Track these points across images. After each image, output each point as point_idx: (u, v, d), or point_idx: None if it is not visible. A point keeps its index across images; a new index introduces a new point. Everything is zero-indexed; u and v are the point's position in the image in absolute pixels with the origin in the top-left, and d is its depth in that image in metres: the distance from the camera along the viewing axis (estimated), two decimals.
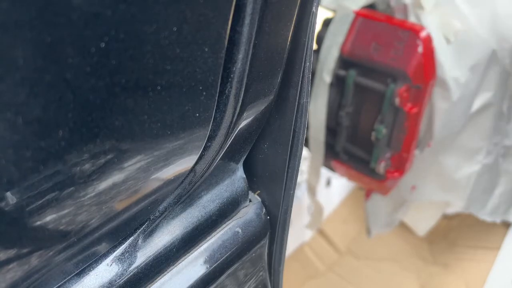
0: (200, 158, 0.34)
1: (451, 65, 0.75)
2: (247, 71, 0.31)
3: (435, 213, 0.99)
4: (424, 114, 0.78)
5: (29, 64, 0.20)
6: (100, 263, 0.34)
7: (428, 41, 0.72)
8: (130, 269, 0.35)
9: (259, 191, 0.45)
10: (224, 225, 0.42)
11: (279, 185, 0.42)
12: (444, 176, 0.87)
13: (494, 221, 0.98)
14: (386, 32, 0.73)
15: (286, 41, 0.33)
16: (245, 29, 0.28)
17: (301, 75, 0.35)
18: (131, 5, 0.22)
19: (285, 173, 0.41)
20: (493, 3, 0.75)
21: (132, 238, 0.35)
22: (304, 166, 1.15)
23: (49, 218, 0.26)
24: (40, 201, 0.24)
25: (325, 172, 1.18)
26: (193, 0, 0.24)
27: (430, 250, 1.19)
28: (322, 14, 0.86)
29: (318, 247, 1.24)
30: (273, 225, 0.45)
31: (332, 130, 0.85)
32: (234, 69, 0.30)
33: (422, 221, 1.02)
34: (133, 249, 0.35)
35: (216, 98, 0.30)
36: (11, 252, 0.25)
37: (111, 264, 0.34)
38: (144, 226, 0.36)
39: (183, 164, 0.33)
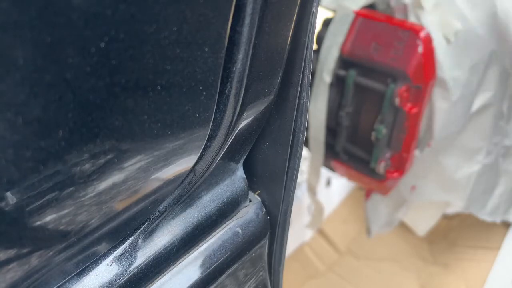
0: (200, 158, 0.34)
1: (451, 65, 0.75)
2: (247, 71, 0.31)
3: (435, 213, 0.99)
4: (424, 114, 0.78)
5: (29, 64, 0.20)
6: (100, 263, 0.34)
7: (428, 41, 0.72)
8: (130, 269, 0.35)
9: (259, 191, 0.45)
10: (224, 225, 0.42)
11: (279, 185, 0.42)
12: (444, 176, 0.87)
13: (494, 221, 0.98)
14: (386, 32, 0.73)
15: (286, 41, 0.33)
16: (245, 29, 0.28)
17: (301, 75, 0.35)
18: (131, 5, 0.22)
19: (285, 173, 0.41)
20: (493, 3, 0.75)
21: (132, 238, 0.35)
22: (304, 166, 1.15)
23: (49, 218, 0.26)
24: (40, 201, 0.24)
25: (325, 172, 1.18)
26: (193, 0, 0.24)
27: (430, 250, 1.19)
28: (322, 14, 0.86)
29: (318, 247, 1.24)
30: (273, 225, 0.45)
31: (332, 130, 0.85)
32: (234, 69, 0.30)
33: (422, 221, 1.02)
34: (133, 249, 0.35)
35: (216, 98, 0.30)
36: (11, 252, 0.25)
37: (111, 264, 0.34)
38: (144, 226, 0.36)
39: (183, 164, 0.33)
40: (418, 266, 1.16)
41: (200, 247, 0.40)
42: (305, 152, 0.94)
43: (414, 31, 0.71)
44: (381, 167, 0.80)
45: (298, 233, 1.22)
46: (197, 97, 0.28)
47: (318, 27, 0.84)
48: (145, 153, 0.28)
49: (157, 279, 0.37)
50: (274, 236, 0.46)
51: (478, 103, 0.81)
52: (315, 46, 0.82)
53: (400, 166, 0.80)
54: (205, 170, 0.36)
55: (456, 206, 0.92)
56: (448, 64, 0.74)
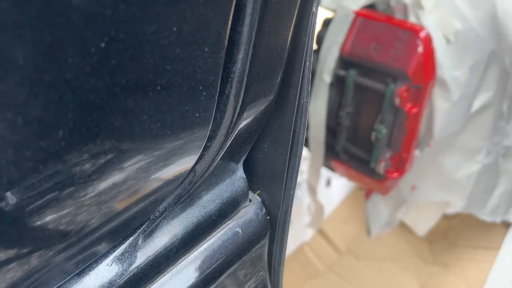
0: (200, 158, 0.34)
1: (451, 65, 0.75)
2: (247, 71, 0.31)
3: (435, 213, 0.99)
4: (424, 114, 0.78)
5: (29, 64, 0.20)
6: (100, 263, 0.34)
7: (428, 41, 0.72)
8: (130, 269, 0.35)
9: (259, 191, 0.45)
10: (224, 225, 0.42)
11: (279, 185, 0.42)
12: (444, 176, 0.87)
13: (494, 221, 0.98)
14: (386, 32, 0.74)
15: (286, 41, 0.33)
16: (245, 29, 0.28)
17: (301, 75, 0.35)
18: (131, 5, 0.22)
19: (285, 173, 0.41)
20: (493, 3, 0.75)
21: (132, 238, 0.35)
22: (304, 166, 1.15)
23: (49, 218, 0.26)
24: (40, 201, 0.24)
25: (325, 172, 1.18)
26: (193, 0, 0.24)
27: (430, 250, 1.19)
28: (322, 14, 0.86)
29: (318, 247, 1.24)
30: (273, 225, 0.45)
31: (332, 130, 0.85)
32: (234, 69, 0.30)
33: (422, 221, 1.02)
34: (133, 249, 0.35)
35: (216, 98, 0.30)
36: (11, 252, 0.25)
37: (111, 264, 0.34)
38: (144, 226, 0.36)
39: (183, 164, 0.33)
40: (418, 266, 1.16)
41: (200, 247, 0.40)
42: (305, 152, 0.94)
43: (414, 31, 0.71)
44: (381, 167, 0.80)
45: (298, 233, 1.22)
46: (197, 97, 0.28)
47: (318, 27, 0.84)
48: (145, 153, 0.28)
49: (157, 279, 0.37)
50: (274, 236, 0.46)
51: (478, 103, 0.81)
52: (315, 46, 0.82)
53: (400, 166, 0.81)
54: (205, 170, 0.36)
55: (456, 206, 0.92)
56: (448, 64, 0.74)
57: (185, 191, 0.37)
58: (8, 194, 0.22)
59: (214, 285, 0.41)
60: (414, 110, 0.74)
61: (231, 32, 0.28)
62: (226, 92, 0.31)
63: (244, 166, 0.43)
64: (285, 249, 0.47)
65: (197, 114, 0.29)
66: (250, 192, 0.45)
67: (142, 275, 0.36)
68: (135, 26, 0.23)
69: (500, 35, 0.75)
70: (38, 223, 0.25)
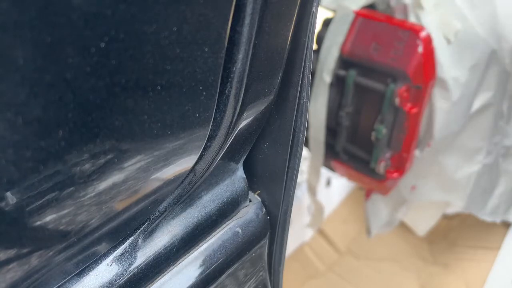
0: (200, 158, 0.34)
1: (451, 65, 0.75)
2: (247, 71, 0.31)
3: (435, 213, 0.99)
4: (424, 114, 0.78)
5: (29, 64, 0.20)
6: (100, 263, 0.34)
7: (428, 41, 0.72)
8: (130, 269, 0.35)
9: (259, 191, 0.45)
10: (224, 225, 0.42)
11: (279, 185, 0.42)
12: (444, 176, 0.87)
13: (494, 221, 0.98)
14: (386, 32, 0.74)
15: (286, 41, 0.33)
16: (245, 29, 0.28)
17: (301, 75, 0.35)
18: (131, 5, 0.22)
19: (285, 173, 0.41)
20: (493, 3, 0.75)
21: (132, 238, 0.35)
22: (304, 166, 1.15)
23: (49, 218, 0.26)
24: (40, 201, 0.24)
25: (325, 172, 1.18)
26: (193, 0, 0.24)
27: (430, 250, 1.19)
28: (322, 14, 0.86)
29: (318, 247, 1.24)
30: (273, 225, 0.45)
31: (332, 130, 0.85)
32: (234, 69, 0.30)
33: (422, 221, 1.02)
34: (133, 249, 0.35)
35: (216, 98, 0.30)
36: (11, 252, 0.25)
37: (111, 264, 0.34)
38: (144, 226, 0.36)
39: (183, 164, 0.33)
40: (418, 266, 1.16)
41: (200, 247, 0.40)
42: (305, 152, 0.94)
43: (414, 31, 0.71)
44: (381, 167, 0.80)
45: (298, 233, 1.22)
46: (197, 97, 0.28)
47: (318, 27, 0.84)
48: (145, 153, 0.28)
49: (157, 279, 0.37)
50: (274, 236, 0.46)
51: (478, 103, 0.81)
52: (315, 46, 0.82)
53: (400, 166, 0.81)
54: (205, 170, 0.36)
55: (456, 206, 0.92)
56: (448, 64, 0.74)
57: (185, 191, 0.37)
58: (8, 194, 0.22)
59: (214, 285, 0.41)
60: (414, 110, 0.74)
61: (231, 32, 0.28)
62: (226, 92, 0.31)
63: (244, 166, 0.43)
64: (285, 249, 0.47)
65: (197, 114, 0.29)
66: (250, 192, 0.45)
67: (142, 275, 0.36)
68: (135, 26, 0.23)
69: (500, 35, 0.75)
70: (38, 223, 0.25)
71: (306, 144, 0.89)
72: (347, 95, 0.80)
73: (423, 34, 0.71)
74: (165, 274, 0.38)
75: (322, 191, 1.22)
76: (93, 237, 0.31)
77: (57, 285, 0.32)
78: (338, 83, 0.81)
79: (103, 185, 0.27)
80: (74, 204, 0.26)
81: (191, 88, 0.28)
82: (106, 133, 0.25)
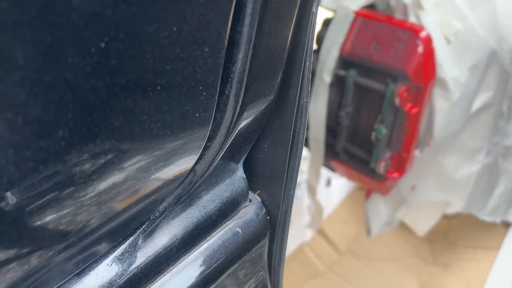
0: (200, 158, 0.34)
1: (451, 65, 0.75)
2: (247, 71, 0.31)
3: (435, 213, 0.99)
4: (424, 114, 0.78)
5: (29, 64, 0.20)
6: (100, 263, 0.34)
7: (428, 41, 0.72)
8: (130, 269, 0.35)
9: (259, 191, 0.45)
10: (224, 225, 0.42)
11: (279, 185, 0.42)
12: (444, 176, 0.87)
13: (494, 221, 0.98)
14: (386, 32, 0.74)
15: (286, 41, 0.33)
16: (245, 29, 0.28)
17: (301, 75, 0.35)
18: (131, 5, 0.22)
19: (285, 173, 0.41)
20: (493, 3, 0.75)
21: (132, 238, 0.35)
22: (304, 166, 1.15)
23: (49, 218, 0.26)
24: (40, 201, 0.24)
25: (325, 172, 1.18)
26: (193, 0, 0.24)
27: (430, 250, 1.19)
28: (322, 14, 0.86)
29: (318, 247, 1.24)
30: (273, 225, 0.45)
31: (332, 130, 0.85)
32: (234, 69, 0.30)
33: (422, 221, 1.02)
34: (133, 249, 0.35)
35: (216, 98, 0.30)
36: (11, 252, 0.25)
37: (111, 264, 0.34)
38: (144, 226, 0.36)
39: (183, 164, 0.33)
40: (418, 266, 1.16)
41: (200, 247, 0.40)
42: (305, 152, 0.94)
43: (414, 31, 0.71)
44: (381, 167, 0.80)
45: (298, 233, 1.22)
46: (197, 97, 0.28)
47: (318, 27, 0.84)
48: (145, 153, 0.28)
49: (157, 279, 0.37)
50: (274, 236, 0.46)
51: (478, 103, 0.81)
52: (315, 46, 0.82)
53: (400, 166, 0.81)
54: (205, 170, 0.36)
55: (456, 206, 0.92)
56: (448, 64, 0.74)
57: (185, 191, 0.37)
58: (8, 194, 0.22)
59: (214, 285, 0.41)
60: (414, 110, 0.74)
61: (231, 32, 0.28)
62: (226, 92, 0.31)
63: (244, 166, 0.43)
64: (285, 249, 0.47)
65: (197, 114, 0.29)
66: (250, 192, 0.45)
67: (142, 275, 0.36)
68: (135, 26, 0.23)
69: (500, 35, 0.75)
70: (38, 223, 0.25)
71: (306, 144, 0.89)
72: (347, 95, 0.80)
73: (423, 34, 0.71)
74: (165, 274, 0.38)
75: (322, 191, 1.22)
76: (93, 237, 0.31)
77: (57, 285, 0.32)
78: (338, 83, 0.81)
79: (103, 185, 0.27)
80: (74, 204, 0.26)
81: (191, 88, 0.28)
82: (106, 133, 0.25)
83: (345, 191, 1.34)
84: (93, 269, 0.33)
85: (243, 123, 0.35)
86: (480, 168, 0.86)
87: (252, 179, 0.45)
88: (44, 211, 0.25)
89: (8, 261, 0.25)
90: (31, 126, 0.21)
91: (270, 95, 0.36)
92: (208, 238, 0.41)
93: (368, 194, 0.98)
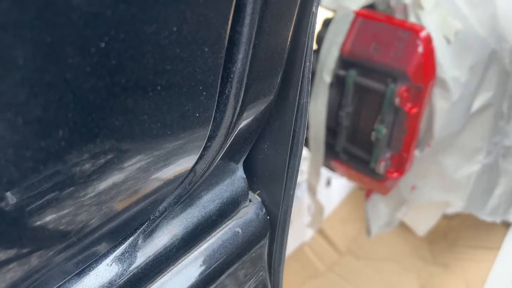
0: (200, 158, 0.34)
1: (451, 65, 0.75)
2: (247, 71, 0.31)
3: (435, 213, 0.99)
4: (424, 114, 0.78)
5: (29, 64, 0.20)
6: (100, 263, 0.34)
7: (428, 41, 0.72)
8: (130, 269, 0.35)
9: (259, 191, 0.45)
10: (224, 225, 0.42)
11: (279, 185, 0.42)
12: (444, 176, 0.87)
13: (494, 221, 0.98)
14: (386, 32, 0.74)
15: (286, 41, 0.33)
16: (245, 29, 0.28)
17: (301, 75, 0.35)
18: (131, 5, 0.22)
19: (285, 173, 0.41)
20: (493, 3, 0.75)
21: (132, 238, 0.35)
22: (304, 166, 1.15)
23: (49, 218, 0.26)
24: (40, 201, 0.24)
25: (325, 172, 1.18)
26: (193, 0, 0.24)
27: (430, 250, 1.19)
28: (322, 14, 0.86)
29: (318, 247, 1.24)
30: (273, 225, 0.45)
31: (332, 130, 0.85)
32: (234, 69, 0.30)
33: (422, 221, 1.02)
34: (133, 249, 0.35)
35: (216, 98, 0.30)
36: (11, 252, 0.25)
37: (111, 264, 0.34)
38: (144, 226, 0.36)
39: (183, 164, 0.33)
40: (418, 266, 1.16)
41: (200, 247, 0.40)
42: (305, 152, 0.94)
43: (414, 31, 0.71)
44: (381, 167, 0.80)
45: (298, 233, 1.22)
46: (197, 97, 0.28)
47: (318, 27, 0.84)
48: (145, 153, 0.28)
49: (157, 279, 0.37)
50: (274, 236, 0.46)
51: (478, 103, 0.81)
52: (315, 46, 0.82)
53: (400, 166, 0.81)
54: (205, 170, 0.36)
55: (456, 206, 0.92)
56: (448, 64, 0.74)
57: (185, 191, 0.37)
58: (8, 194, 0.22)
59: (214, 285, 0.41)
60: (414, 110, 0.74)
61: (231, 32, 0.28)
62: (226, 92, 0.31)
63: (244, 166, 0.43)
64: (285, 249, 0.47)
65: (197, 114, 0.29)
66: (250, 192, 0.45)
67: (142, 275, 0.36)
68: (135, 26, 0.23)
69: (500, 35, 0.75)
70: (38, 223, 0.25)
71: (306, 144, 0.89)
72: (347, 95, 0.80)
73: (423, 34, 0.71)
74: (165, 274, 0.38)
75: (322, 191, 1.22)
76: (93, 237, 0.31)
77: (57, 285, 0.32)
78: (338, 83, 0.81)
79: (103, 185, 0.27)
80: (74, 204, 0.26)
81: (191, 88, 0.28)
82: (106, 133, 0.25)
83: (345, 191, 1.34)
84: (93, 269, 0.33)
85: (243, 123, 0.35)
86: (480, 168, 0.86)
87: (252, 179, 0.45)
88: (44, 211, 0.25)
89: (8, 261, 0.25)
90: (31, 126, 0.21)
91: (270, 95, 0.36)
92: (208, 238, 0.41)
93: (368, 194, 0.98)
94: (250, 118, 0.36)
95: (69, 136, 0.23)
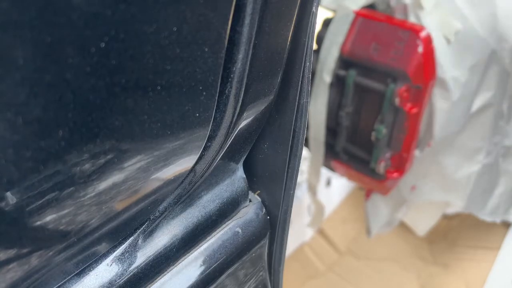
0: (200, 158, 0.34)
1: (451, 65, 0.75)
2: (247, 71, 0.31)
3: (435, 213, 0.99)
4: (424, 114, 0.78)
5: (29, 64, 0.20)
6: (100, 263, 0.34)
7: (428, 41, 0.72)
8: (130, 269, 0.35)
9: (259, 191, 0.45)
10: (224, 225, 0.42)
11: (279, 185, 0.42)
12: (444, 176, 0.87)
13: (494, 221, 0.98)
14: (386, 32, 0.73)
15: (286, 41, 0.33)
16: (245, 29, 0.28)
17: (301, 75, 0.35)
18: (131, 5, 0.22)
19: (285, 173, 0.41)
20: (493, 3, 0.75)
21: (132, 238, 0.35)
22: (304, 166, 1.15)
23: (49, 218, 0.26)
24: (40, 201, 0.24)
25: (325, 172, 1.18)
26: (193, 0, 0.24)
27: (430, 250, 1.19)
28: (322, 14, 0.86)
29: (318, 247, 1.24)
30: (273, 225, 0.45)
31: (332, 130, 0.85)
32: (234, 69, 0.30)
33: (422, 221, 1.02)
34: (133, 249, 0.35)
35: (216, 98, 0.30)
36: (11, 252, 0.25)
37: (111, 264, 0.34)
38: (144, 226, 0.36)
39: (183, 164, 0.33)
40: (418, 266, 1.16)
41: (200, 247, 0.40)
42: (305, 152, 0.94)
43: (414, 31, 0.71)
44: (381, 167, 0.80)
45: (298, 233, 1.22)
46: (197, 97, 0.28)
47: (318, 27, 0.84)
48: (145, 153, 0.28)
49: (157, 279, 0.37)
50: (274, 236, 0.46)
51: (478, 103, 0.81)
52: (315, 46, 0.82)
53: (400, 166, 0.81)
54: (205, 170, 0.36)
55: (456, 206, 0.92)
56: (448, 64, 0.74)
57: (185, 191, 0.37)
58: (8, 194, 0.22)
59: (214, 285, 0.41)
60: (414, 110, 0.74)
61: (231, 32, 0.28)
62: (226, 92, 0.31)
63: (244, 166, 0.43)
64: (285, 249, 0.47)
65: (197, 114, 0.29)
66: (250, 192, 0.45)
67: (142, 275, 0.36)
68: (135, 26, 0.23)
69: (500, 35, 0.75)
70: (38, 223, 0.25)
71: (306, 144, 0.89)
72: (347, 95, 0.80)
73: (423, 34, 0.71)
74: (165, 274, 0.38)
75: (322, 191, 1.22)
76: (93, 237, 0.31)
77: (57, 285, 0.32)
78: (338, 83, 0.81)
79: (103, 185, 0.27)
80: (74, 204, 0.26)
81: (191, 88, 0.28)
82: (106, 133, 0.25)
83: (345, 191, 1.34)
84: (93, 269, 0.33)
85: (243, 123, 0.35)
86: (480, 168, 0.86)
87: (252, 179, 0.45)
88: (44, 211, 0.25)
89: (8, 261, 0.25)
90: (31, 126, 0.21)
91: (270, 95, 0.36)
92: (208, 238, 0.41)
93: (368, 194, 0.98)
94: (250, 118, 0.36)
95: (69, 136, 0.23)
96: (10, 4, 0.18)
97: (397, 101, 0.73)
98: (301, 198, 1.19)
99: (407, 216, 1.01)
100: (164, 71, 0.25)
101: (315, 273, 1.19)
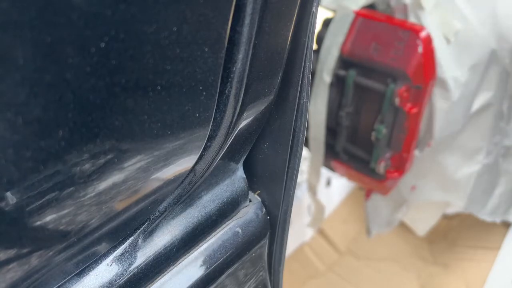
0: (200, 158, 0.34)
1: (451, 65, 0.75)
2: (247, 71, 0.31)
3: (435, 213, 0.99)
4: (424, 114, 0.78)
5: (29, 64, 0.20)
6: (100, 263, 0.34)
7: (428, 41, 0.72)
8: (130, 269, 0.35)
9: (259, 191, 0.45)
10: (224, 225, 0.42)
11: (279, 185, 0.42)
12: (444, 176, 0.87)
13: (494, 221, 0.98)
14: (386, 32, 0.74)
15: (286, 41, 0.33)
16: (245, 29, 0.28)
17: (301, 75, 0.35)
18: (131, 5, 0.22)
19: (285, 173, 0.41)
20: (493, 3, 0.75)
21: (132, 238, 0.35)
22: (304, 166, 1.15)
23: (49, 218, 0.26)
24: (40, 201, 0.24)
25: (325, 172, 1.18)
26: (193, 0, 0.24)
27: (430, 250, 1.19)
28: (322, 14, 0.86)
29: (318, 247, 1.24)
30: (273, 225, 0.45)
31: (332, 130, 0.85)
32: (234, 69, 0.30)
33: (422, 221, 1.02)
34: (133, 249, 0.35)
35: (216, 98, 0.30)
36: (11, 252, 0.25)
37: (111, 264, 0.34)
38: (144, 226, 0.36)
39: (183, 164, 0.33)
40: (418, 266, 1.16)
41: (200, 247, 0.40)
42: (305, 152, 0.94)
43: (414, 31, 0.71)
44: (381, 167, 0.80)
45: (298, 233, 1.22)
46: (197, 97, 0.28)
47: (318, 27, 0.84)
48: (145, 153, 0.28)
49: (157, 279, 0.37)
50: (274, 236, 0.46)
51: (478, 103, 0.81)
52: (315, 46, 0.82)
53: (400, 166, 0.81)
54: (205, 170, 0.36)
55: (456, 206, 0.92)
56: (448, 64, 0.74)
57: (185, 191, 0.37)
58: (8, 194, 0.22)
59: (214, 285, 0.41)
60: (414, 110, 0.74)
61: (231, 32, 0.28)
62: (226, 92, 0.31)
63: (244, 166, 0.43)
64: (285, 249, 0.47)
65: (197, 114, 0.29)
66: (250, 192, 0.45)
67: (142, 275, 0.36)
68: (135, 26, 0.23)
69: (500, 35, 0.75)
70: (38, 223, 0.25)
71: (306, 144, 0.89)
72: (347, 95, 0.80)
73: (423, 34, 0.71)
74: (165, 274, 0.38)
75: (322, 191, 1.22)
76: (93, 237, 0.31)
77: (57, 285, 0.32)
78: (338, 83, 0.81)
79: (103, 185, 0.27)
80: (74, 204, 0.26)
81: (191, 88, 0.28)
82: (106, 133, 0.25)
83: (345, 191, 1.34)
84: (93, 269, 0.33)
85: (243, 123, 0.35)
86: (480, 168, 0.86)
87: (252, 179, 0.45)
88: (44, 211, 0.25)
89: (8, 261, 0.25)
90: (31, 126, 0.21)
91: (270, 95, 0.36)
92: (208, 238, 0.41)
93: (368, 194, 0.98)
94: (250, 118, 0.36)
95: (69, 136, 0.23)
96: (10, 4, 0.18)
97: (397, 101, 0.73)
98: (301, 198, 1.19)
99: (407, 216, 1.01)
100: (164, 71, 0.25)
101: (315, 273, 1.19)
